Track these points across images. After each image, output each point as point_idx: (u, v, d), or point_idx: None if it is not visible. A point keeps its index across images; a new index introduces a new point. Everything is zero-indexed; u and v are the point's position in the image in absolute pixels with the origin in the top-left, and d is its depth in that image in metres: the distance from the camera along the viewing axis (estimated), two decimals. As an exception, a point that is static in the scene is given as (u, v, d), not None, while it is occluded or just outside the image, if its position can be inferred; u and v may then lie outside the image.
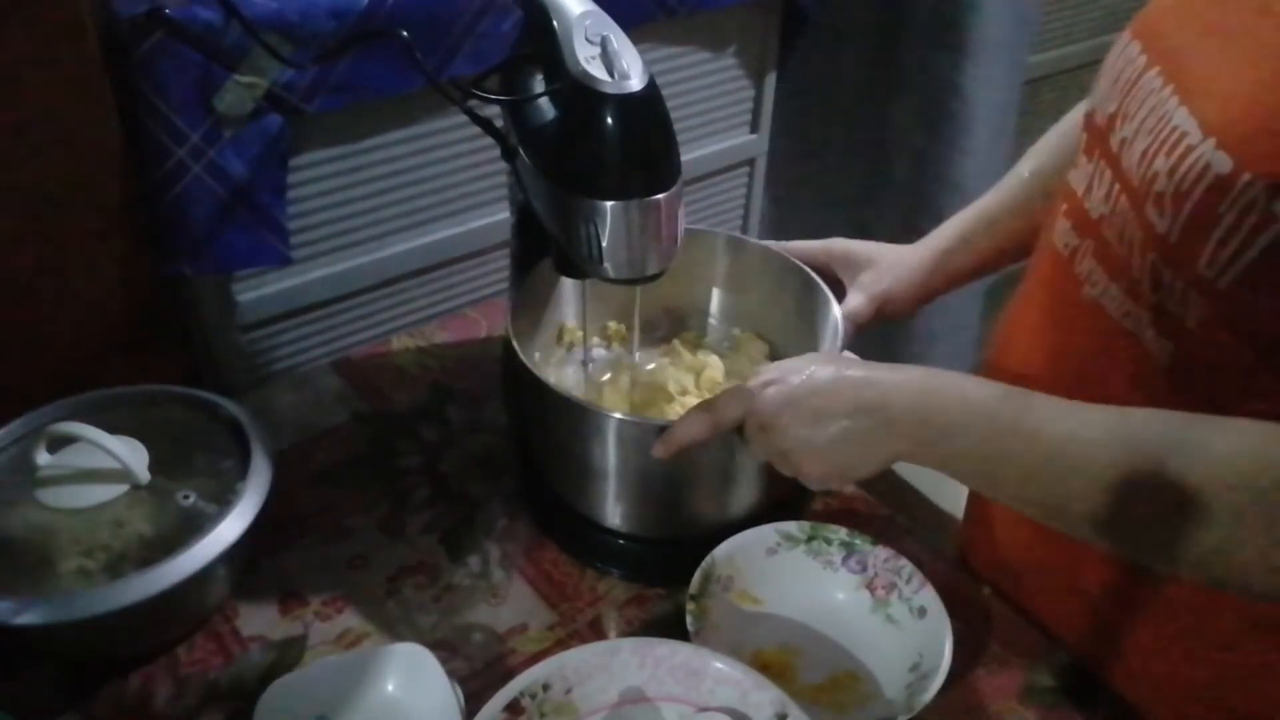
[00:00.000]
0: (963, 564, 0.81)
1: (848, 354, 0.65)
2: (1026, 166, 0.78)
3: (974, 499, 0.82)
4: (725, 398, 0.62)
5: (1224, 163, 0.47)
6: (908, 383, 0.56)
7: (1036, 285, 0.67)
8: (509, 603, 0.71)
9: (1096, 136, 0.60)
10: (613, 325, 0.88)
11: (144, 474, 0.66)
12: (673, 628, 0.67)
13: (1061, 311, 0.63)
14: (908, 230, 1.44)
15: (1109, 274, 0.57)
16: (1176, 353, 0.54)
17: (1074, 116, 0.75)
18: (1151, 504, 0.48)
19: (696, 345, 0.88)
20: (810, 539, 0.71)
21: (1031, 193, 0.76)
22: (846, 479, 0.60)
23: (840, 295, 0.78)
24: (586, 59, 0.56)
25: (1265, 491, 0.46)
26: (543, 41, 0.59)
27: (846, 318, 0.76)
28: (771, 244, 0.82)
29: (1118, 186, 0.56)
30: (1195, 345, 0.53)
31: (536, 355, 0.81)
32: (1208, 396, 0.53)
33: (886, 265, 0.80)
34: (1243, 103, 0.48)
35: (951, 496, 0.92)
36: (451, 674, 0.62)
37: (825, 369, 0.58)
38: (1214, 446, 0.48)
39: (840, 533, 0.71)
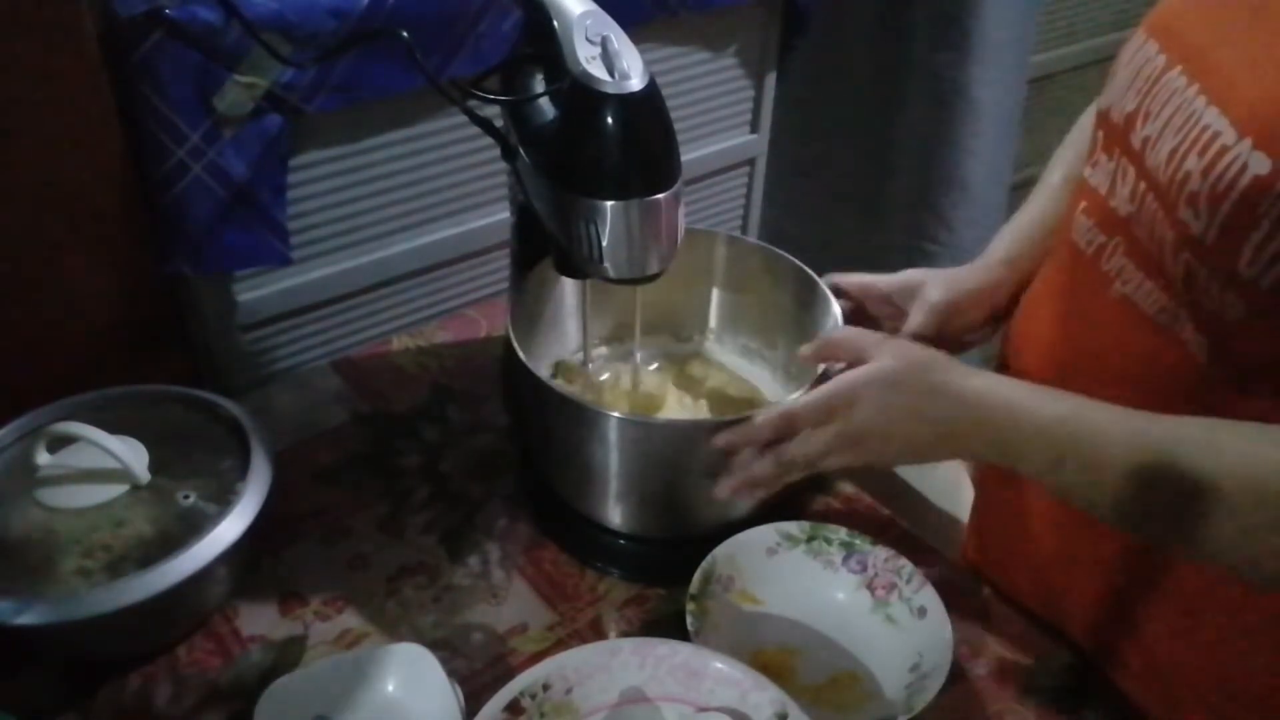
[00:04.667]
0: (963, 564, 0.81)
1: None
2: (1057, 174, 0.75)
3: (984, 493, 0.81)
4: (804, 404, 0.61)
5: (1263, 163, 0.47)
6: (977, 392, 0.57)
7: (1053, 284, 0.67)
8: (509, 603, 0.71)
9: (1115, 135, 0.59)
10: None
11: (144, 474, 0.66)
12: (673, 628, 0.67)
13: (1084, 309, 0.63)
14: (910, 232, 1.45)
15: (1143, 271, 0.57)
16: (1213, 348, 0.54)
17: (1090, 117, 0.74)
18: (1175, 498, 0.50)
19: (696, 355, 0.87)
20: (810, 539, 0.71)
21: (1065, 197, 0.74)
22: (898, 461, 0.62)
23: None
24: (587, 59, 0.56)
25: None
26: (543, 41, 0.59)
27: (908, 336, 0.73)
28: (839, 276, 0.78)
29: (1143, 185, 0.56)
30: (1233, 340, 0.53)
31: (536, 355, 0.81)
32: (1238, 393, 0.53)
33: (945, 279, 0.76)
34: (1277, 102, 0.47)
35: (952, 497, 0.92)
36: (451, 674, 0.62)
37: (914, 353, 0.60)
38: (1234, 446, 0.49)
39: (840, 533, 0.71)
